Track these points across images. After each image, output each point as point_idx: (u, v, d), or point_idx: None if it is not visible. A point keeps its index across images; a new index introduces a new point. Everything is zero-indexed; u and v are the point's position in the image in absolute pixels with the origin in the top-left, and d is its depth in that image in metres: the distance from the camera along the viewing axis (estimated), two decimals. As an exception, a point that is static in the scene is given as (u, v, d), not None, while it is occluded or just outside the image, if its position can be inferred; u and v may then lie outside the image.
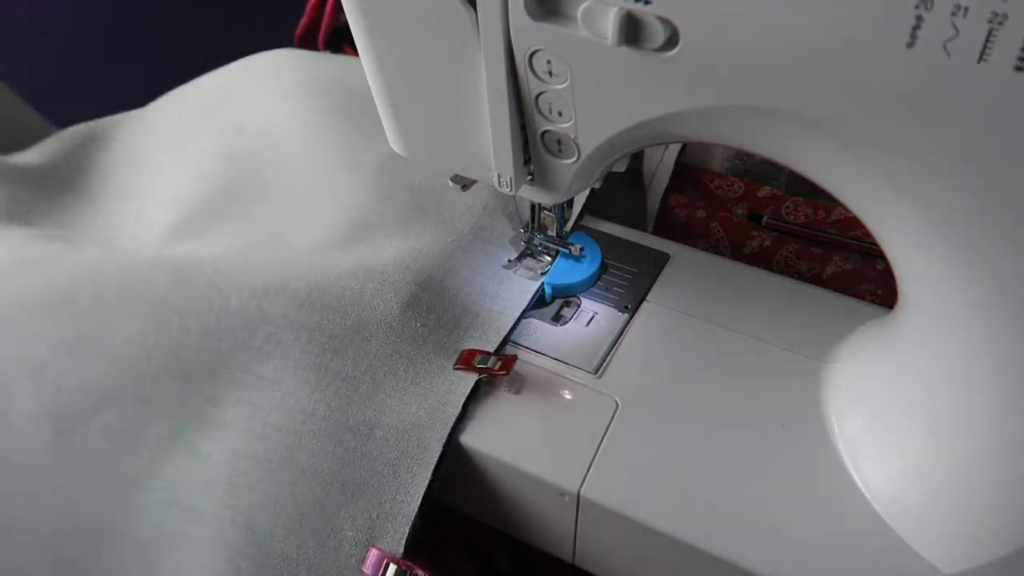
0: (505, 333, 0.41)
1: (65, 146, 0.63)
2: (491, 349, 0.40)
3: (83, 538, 0.38)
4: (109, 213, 0.57)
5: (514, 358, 0.40)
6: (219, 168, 0.55)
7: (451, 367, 0.40)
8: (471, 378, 0.39)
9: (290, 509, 0.37)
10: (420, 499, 0.36)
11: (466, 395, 0.39)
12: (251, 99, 0.61)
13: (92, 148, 0.63)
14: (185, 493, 0.38)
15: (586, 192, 0.45)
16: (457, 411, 0.38)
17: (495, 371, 0.39)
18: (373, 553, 0.35)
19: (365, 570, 0.35)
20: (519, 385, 0.40)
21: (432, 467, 0.37)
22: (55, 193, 0.59)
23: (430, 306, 0.41)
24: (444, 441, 0.37)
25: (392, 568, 0.35)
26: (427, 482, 0.37)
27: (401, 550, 0.35)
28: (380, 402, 0.39)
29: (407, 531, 0.36)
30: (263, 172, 0.54)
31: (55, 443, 0.39)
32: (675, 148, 0.56)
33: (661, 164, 0.55)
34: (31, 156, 0.63)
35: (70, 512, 0.39)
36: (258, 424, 0.38)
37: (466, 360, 0.40)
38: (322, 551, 0.36)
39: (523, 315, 0.43)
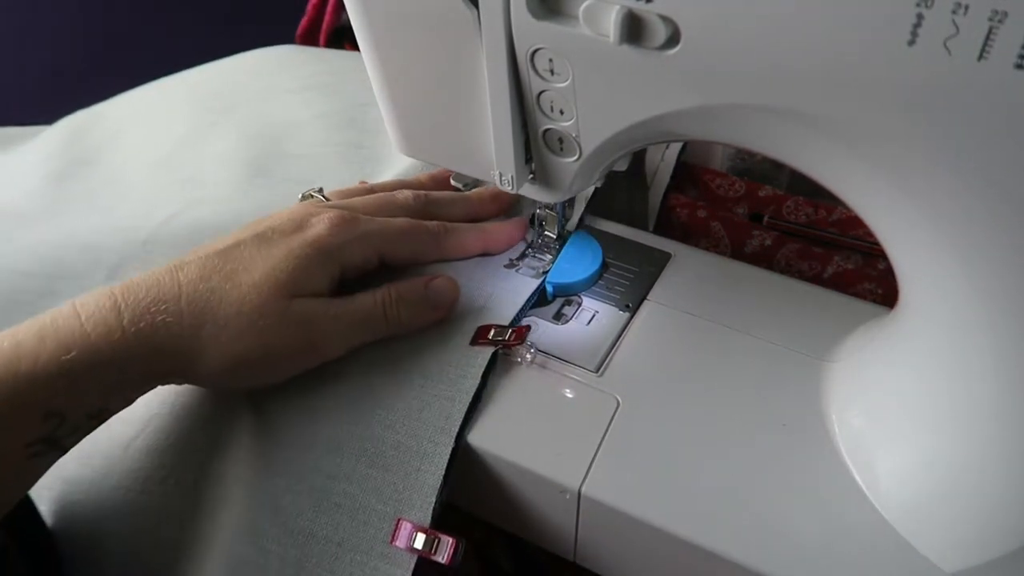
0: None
1: (67, 135, 0.64)
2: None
3: None
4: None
5: (528, 328, 0.41)
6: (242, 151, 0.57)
7: (467, 344, 0.40)
8: (488, 350, 0.40)
9: (317, 486, 0.37)
10: (444, 468, 0.37)
11: (484, 365, 0.39)
12: (261, 88, 0.63)
13: (93, 138, 0.63)
14: (208, 478, 0.39)
15: (590, 191, 0.45)
16: (477, 381, 0.39)
17: (510, 342, 0.40)
18: (402, 525, 0.36)
19: (396, 544, 0.36)
20: (535, 356, 0.41)
21: (454, 436, 0.37)
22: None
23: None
24: (465, 411, 0.38)
25: (421, 538, 0.35)
26: (450, 450, 0.37)
27: (428, 520, 0.36)
28: (400, 378, 0.39)
29: (433, 500, 0.36)
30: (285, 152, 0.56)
31: None
32: (676, 146, 0.56)
33: (662, 163, 0.55)
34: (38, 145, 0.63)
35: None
36: (278, 403, 0.39)
37: (483, 336, 0.40)
38: (352, 526, 0.36)
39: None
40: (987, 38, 0.22)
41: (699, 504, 0.35)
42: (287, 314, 0.36)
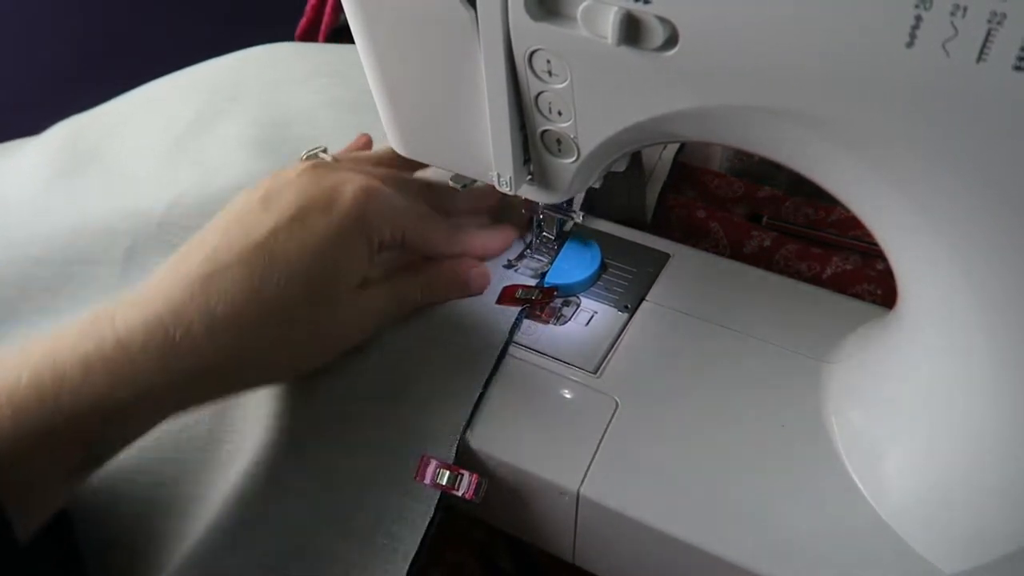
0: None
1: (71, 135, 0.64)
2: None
3: None
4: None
5: (553, 289, 0.42)
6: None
7: (494, 302, 0.42)
8: (514, 309, 0.42)
9: (341, 426, 0.38)
10: (471, 407, 0.38)
11: (513, 320, 0.41)
12: (266, 81, 0.63)
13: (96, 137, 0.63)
14: (232, 421, 0.40)
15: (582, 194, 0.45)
16: (506, 335, 0.41)
17: (539, 300, 0.41)
18: (426, 462, 0.37)
19: (421, 480, 0.36)
20: (558, 315, 0.43)
21: (482, 381, 0.39)
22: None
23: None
24: (495, 359, 0.40)
25: (445, 474, 0.36)
26: (478, 393, 0.39)
27: (452, 457, 0.37)
28: (432, 334, 0.41)
29: (458, 438, 0.37)
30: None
31: None
32: (674, 144, 0.56)
33: (659, 162, 0.55)
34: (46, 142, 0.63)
35: None
36: None
37: (509, 295, 0.42)
38: (376, 464, 0.37)
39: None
40: (986, 40, 0.22)
41: (697, 505, 0.35)
42: (335, 318, 0.37)
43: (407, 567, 0.35)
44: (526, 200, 0.42)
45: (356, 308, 0.38)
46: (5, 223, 0.53)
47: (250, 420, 0.39)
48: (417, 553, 0.35)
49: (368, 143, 0.49)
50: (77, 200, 0.56)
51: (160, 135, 0.61)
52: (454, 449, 0.37)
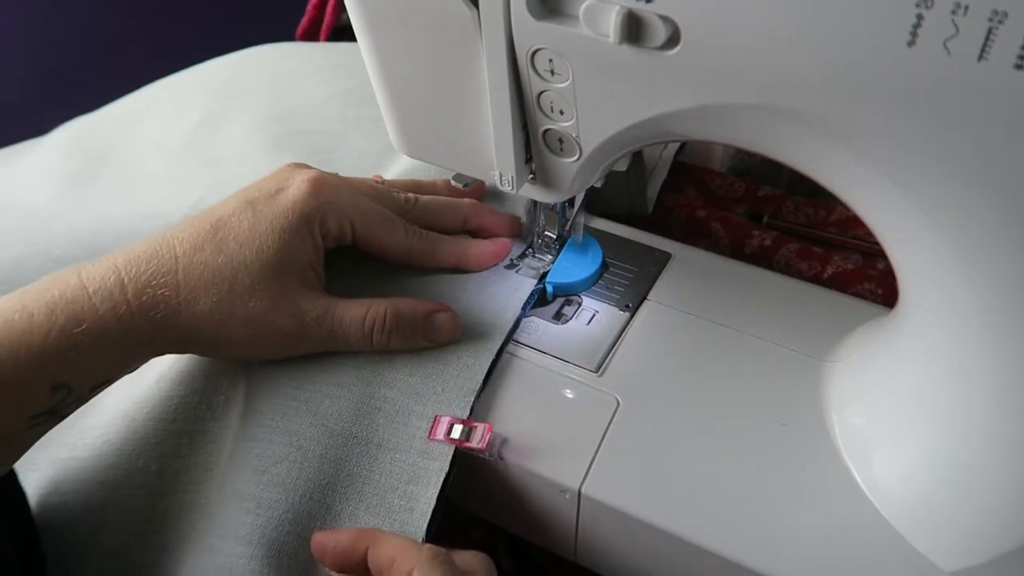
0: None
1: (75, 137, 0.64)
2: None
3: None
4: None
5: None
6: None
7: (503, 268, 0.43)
8: (528, 282, 0.44)
9: (356, 392, 0.39)
10: (484, 374, 0.39)
11: (526, 296, 0.42)
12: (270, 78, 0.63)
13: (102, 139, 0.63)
14: (247, 386, 0.40)
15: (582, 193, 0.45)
16: (518, 310, 0.42)
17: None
18: (439, 420, 0.38)
19: (434, 437, 0.37)
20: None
21: (495, 350, 0.40)
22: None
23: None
24: (508, 331, 0.41)
25: (458, 428, 0.37)
26: (492, 357, 0.40)
27: (467, 415, 0.38)
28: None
29: (472, 399, 0.38)
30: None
31: None
32: (675, 142, 0.56)
33: (660, 161, 0.55)
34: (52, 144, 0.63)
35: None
36: None
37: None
38: (391, 427, 0.38)
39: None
40: (987, 38, 0.22)
41: (699, 504, 0.35)
42: (277, 303, 0.37)
43: (426, 523, 0.36)
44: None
45: (297, 302, 0.38)
46: (22, 225, 0.54)
47: (266, 385, 0.40)
48: (434, 511, 0.36)
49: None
50: (94, 201, 0.56)
51: (170, 135, 0.61)
52: (468, 408, 0.38)
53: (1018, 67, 0.22)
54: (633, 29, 0.28)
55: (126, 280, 0.35)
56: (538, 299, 0.44)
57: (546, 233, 0.46)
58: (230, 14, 1.02)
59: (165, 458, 0.40)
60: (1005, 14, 0.21)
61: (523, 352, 0.41)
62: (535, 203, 0.45)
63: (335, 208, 0.39)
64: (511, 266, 0.45)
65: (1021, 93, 0.23)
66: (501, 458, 0.37)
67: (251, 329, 0.37)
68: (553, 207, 0.44)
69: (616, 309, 0.43)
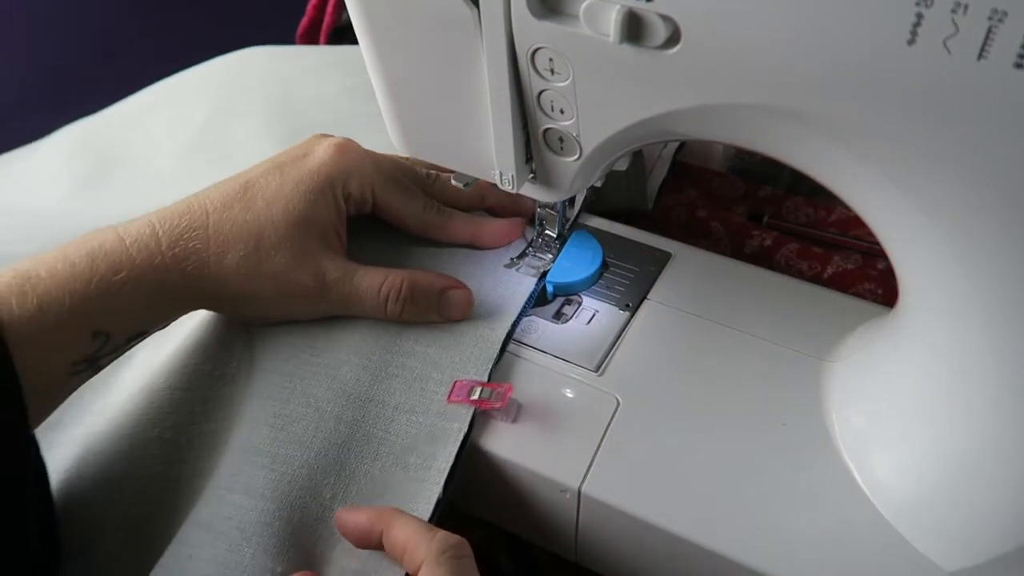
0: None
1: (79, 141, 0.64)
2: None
3: None
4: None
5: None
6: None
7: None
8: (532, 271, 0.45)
9: (376, 359, 0.40)
10: (501, 343, 0.40)
11: (526, 296, 0.43)
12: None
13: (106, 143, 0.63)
14: (265, 359, 0.41)
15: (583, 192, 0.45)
16: (519, 309, 0.42)
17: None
18: (458, 384, 0.39)
19: (453, 399, 0.38)
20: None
21: (510, 322, 0.41)
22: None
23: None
24: (517, 314, 0.42)
25: (478, 390, 0.38)
26: (508, 327, 0.41)
27: (486, 378, 0.39)
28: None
29: (490, 366, 0.40)
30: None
31: None
32: (675, 141, 0.56)
33: (659, 160, 0.55)
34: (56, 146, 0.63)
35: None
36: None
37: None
38: (408, 392, 0.39)
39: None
40: (987, 37, 0.22)
41: (699, 503, 0.35)
42: (301, 260, 0.39)
43: (443, 480, 0.36)
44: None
45: (319, 262, 0.40)
46: (35, 224, 0.54)
47: (284, 352, 0.41)
48: (452, 471, 0.37)
49: None
50: (106, 201, 0.56)
51: (176, 133, 0.61)
52: (487, 373, 0.39)
53: (1018, 66, 0.22)
54: (633, 28, 0.28)
55: (160, 233, 0.37)
56: (538, 299, 0.44)
57: (546, 232, 0.46)
58: (230, 14, 1.02)
59: (180, 426, 0.41)
60: (1005, 13, 0.21)
61: (523, 352, 0.41)
62: (535, 202, 0.45)
63: (358, 173, 0.41)
64: (511, 265, 0.45)
65: (1021, 93, 0.23)
66: (515, 420, 0.38)
67: (275, 284, 0.39)
68: (553, 206, 0.44)
69: (616, 309, 0.43)
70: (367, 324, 0.41)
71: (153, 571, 0.36)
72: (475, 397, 0.38)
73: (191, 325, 0.43)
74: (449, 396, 0.39)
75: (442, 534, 0.33)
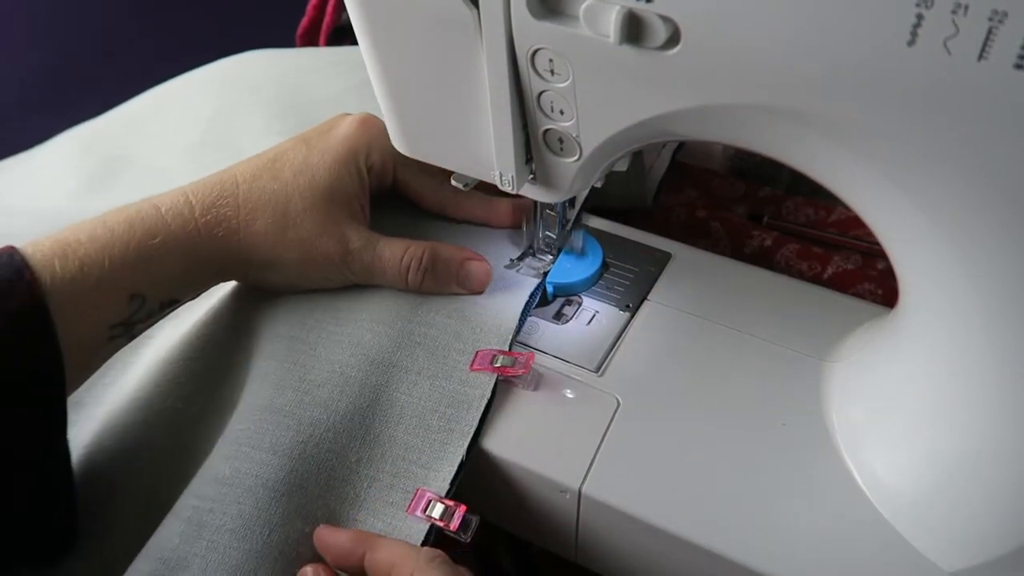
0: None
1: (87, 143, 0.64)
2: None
3: None
4: None
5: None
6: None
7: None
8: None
9: (398, 328, 0.41)
10: (520, 312, 0.42)
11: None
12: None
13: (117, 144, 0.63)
14: (290, 328, 0.42)
15: (585, 192, 0.45)
16: (521, 308, 0.42)
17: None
18: (481, 354, 0.40)
19: (476, 367, 0.39)
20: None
21: (527, 295, 0.43)
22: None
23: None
24: (525, 304, 0.43)
25: (500, 359, 0.39)
26: (526, 298, 0.43)
27: (508, 349, 0.40)
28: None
29: (511, 336, 0.41)
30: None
31: None
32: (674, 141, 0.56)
33: (658, 159, 0.55)
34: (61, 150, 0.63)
35: None
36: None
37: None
38: (431, 359, 0.40)
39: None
40: (987, 38, 0.22)
41: (699, 503, 0.35)
42: (325, 227, 0.41)
43: (466, 444, 0.37)
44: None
45: (343, 230, 0.41)
46: (36, 225, 0.53)
47: (308, 322, 0.42)
48: (474, 437, 0.37)
49: None
50: (112, 202, 0.56)
51: (183, 133, 0.61)
52: (508, 343, 0.40)
53: (1018, 67, 0.22)
54: (633, 29, 0.28)
55: (194, 202, 0.39)
56: (539, 299, 0.44)
57: (546, 233, 0.46)
58: (230, 14, 1.02)
59: (193, 395, 0.42)
60: (1005, 14, 0.21)
61: (523, 352, 0.41)
62: (535, 203, 0.45)
63: (380, 145, 0.43)
64: (511, 266, 0.45)
65: (1021, 93, 0.23)
66: (536, 388, 0.40)
67: (300, 250, 0.40)
68: (553, 207, 0.44)
69: (616, 309, 0.43)
70: (389, 295, 0.43)
71: (165, 523, 0.36)
72: (497, 364, 0.39)
73: (209, 303, 0.45)
74: (472, 364, 0.40)
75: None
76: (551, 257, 0.46)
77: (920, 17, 0.23)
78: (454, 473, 0.37)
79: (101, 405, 0.43)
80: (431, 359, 0.40)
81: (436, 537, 0.36)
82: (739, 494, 0.35)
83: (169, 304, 0.39)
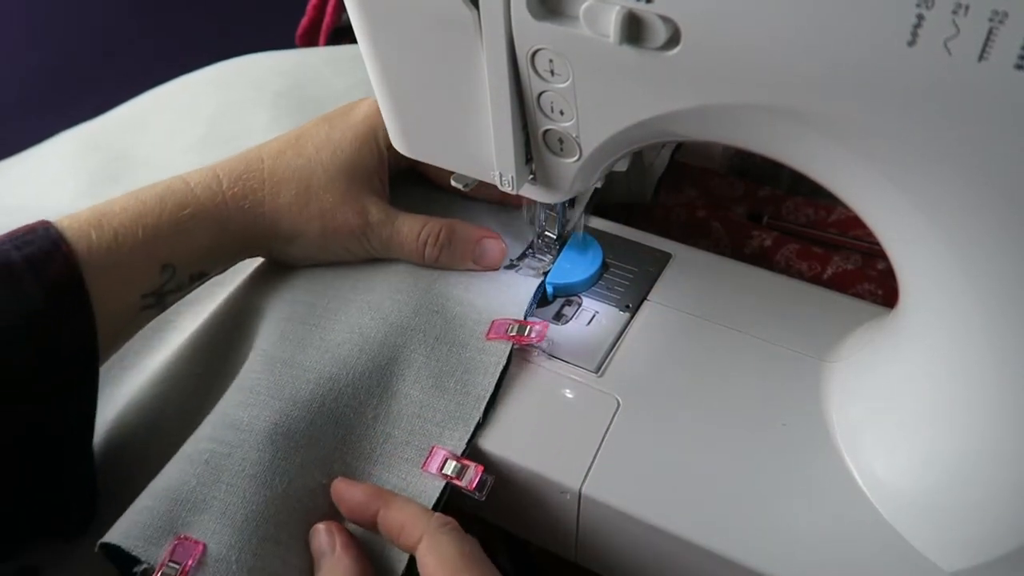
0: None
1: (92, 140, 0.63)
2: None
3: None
4: None
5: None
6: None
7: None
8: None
9: (416, 297, 0.42)
10: (536, 287, 0.43)
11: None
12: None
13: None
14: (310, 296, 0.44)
15: (588, 192, 0.45)
16: (523, 307, 0.43)
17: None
18: (496, 324, 0.41)
19: (491, 337, 0.41)
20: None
21: (540, 280, 0.44)
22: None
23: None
24: (530, 299, 0.43)
25: (516, 327, 0.41)
26: (542, 276, 0.44)
27: (523, 318, 0.42)
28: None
29: (525, 308, 0.42)
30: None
31: None
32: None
33: (658, 158, 0.55)
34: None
35: None
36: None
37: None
38: (449, 327, 0.41)
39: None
40: (987, 38, 0.22)
41: (699, 504, 0.35)
42: (346, 199, 0.42)
43: (482, 407, 0.38)
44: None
45: (363, 203, 0.43)
46: None
47: (329, 292, 0.43)
48: (491, 401, 0.39)
49: None
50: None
51: (184, 132, 0.61)
52: (523, 312, 0.42)
53: (1018, 67, 0.22)
54: (633, 29, 0.28)
55: (222, 176, 0.41)
56: (539, 300, 0.44)
57: (546, 233, 0.46)
58: (230, 14, 1.02)
59: (215, 360, 0.43)
60: (1005, 14, 0.21)
61: (524, 353, 0.41)
62: (535, 203, 0.45)
63: None
64: (511, 266, 0.45)
65: (1021, 93, 0.23)
66: (552, 356, 0.41)
67: (322, 221, 0.42)
68: (553, 207, 0.44)
69: (616, 309, 0.43)
70: (407, 268, 0.44)
71: (175, 464, 0.36)
72: (513, 333, 0.40)
73: (233, 285, 0.46)
74: (488, 334, 0.41)
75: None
76: (551, 257, 0.46)
77: (920, 17, 0.23)
78: (470, 434, 0.37)
79: (128, 386, 0.44)
80: (448, 326, 0.41)
81: (444, 507, 0.37)
82: (739, 494, 0.35)
83: (198, 277, 0.41)
